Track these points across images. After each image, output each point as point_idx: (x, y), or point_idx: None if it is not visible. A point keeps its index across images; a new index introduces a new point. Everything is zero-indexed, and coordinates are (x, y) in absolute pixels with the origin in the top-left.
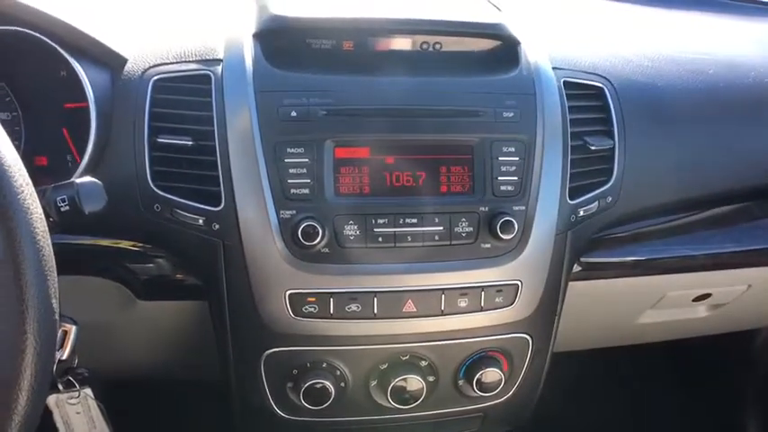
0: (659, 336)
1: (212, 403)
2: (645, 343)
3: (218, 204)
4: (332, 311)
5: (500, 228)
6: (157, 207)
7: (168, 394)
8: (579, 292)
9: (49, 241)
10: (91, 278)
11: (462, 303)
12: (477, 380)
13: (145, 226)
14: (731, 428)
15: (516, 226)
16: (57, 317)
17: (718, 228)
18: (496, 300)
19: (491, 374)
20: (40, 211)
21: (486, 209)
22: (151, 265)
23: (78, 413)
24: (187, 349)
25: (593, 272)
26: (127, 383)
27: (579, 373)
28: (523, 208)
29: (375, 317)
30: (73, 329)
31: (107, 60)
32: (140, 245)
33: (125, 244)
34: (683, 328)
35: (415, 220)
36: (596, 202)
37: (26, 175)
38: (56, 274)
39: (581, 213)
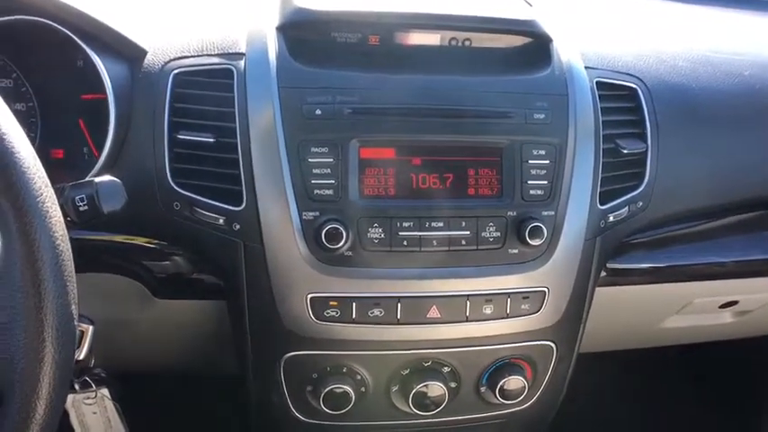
0: (682, 339)
1: (229, 402)
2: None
3: (240, 204)
4: (354, 316)
5: (528, 233)
6: (177, 205)
7: (184, 392)
8: (604, 298)
9: (69, 245)
10: (108, 275)
11: (488, 310)
12: (500, 387)
13: (164, 224)
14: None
15: (545, 232)
16: (75, 323)
17: (745, 234)
18: (522, 307)
19: (514, 382)
20: (59, 214)
21: (515, 213)
22: (169, 263)
23: (95, 413)
24: (205, 348)
25: (619, 278)
26: (143, 381)
27: (594, 373)
28: (552, 213)
29: (398, 322)
30: (90, 329)
31: (126, 52)
32: (159, 243)
33: (143, 241)
34: (707, 333)
35: (441, 224)
36: (627, 207)
37: (45, 176)
38: (75, 279)
39: (611, 219)
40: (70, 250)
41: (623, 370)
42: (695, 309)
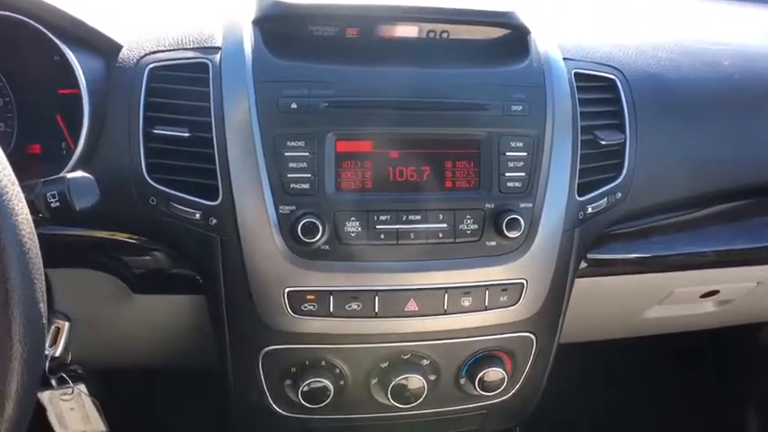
0: (664, 329)
1: (209, 397)
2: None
3: (216, 198)
4: (332, 310)
5: (506, 225)
6: (153, 200)
7: (164, 388)
8: (585, 289)
9: (36, 243)
10: (85, 271)
11: (466, 302)
12: (480, 379)
13: (140, 219)
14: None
15: (523, 224)
16: (44, 321)
17: (727, 224)
18: (501, 299)
19: (493, 374)
20: (26, 211)
21: (492, 206)
22: (147, 258)
23: (72, 409)
24: (184, 343)
25: (599, 268)
26: (123, 378)
27: (579, 363)
28: (530, 205)
29: (376, 316)
30: (66, 326)
31: (100, 46)
32: (136, 238)
33: (120, 236)
34: (688, 322)
35: (418, 217)
36: (605, 199)
37: (11, 173)
38: (43, 277)
39: (589, 210)
40: (38, 248)
41: (605, 357)
42: (676, 299)
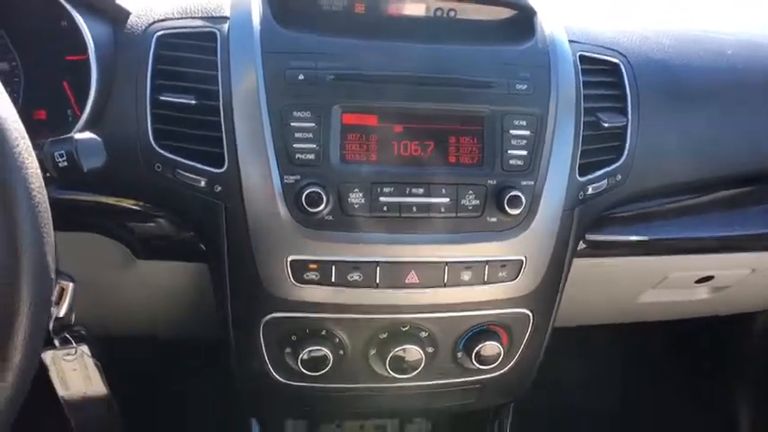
0: (658, 315)
1: (210, 366)
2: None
3: (221, 166)
4: (333, 280)
5: (507, 202)
6: (158, 166)
7: (165, 356)
8: (581, 271)
9: (46, 197)
10: (89, 235)
11: (465, 277)
12: (477, 353)
13: (145, 185)
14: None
15: (524, 201)
16: (53, 274)
17: (726, 210)
18: (500, 274)
19: (490, 348)
20: (37, 165)
21: (494, 182)
22: (151, 224)
23: (75, 370)
24: (186, 310)
25: (597, 250)
26: (125, 344)
27: (576, 347)
28: (532, 183)
29: (377, 286)
30: (70, 286)
31: (109, 13)
32: (141, 204)
33: (125, 202)
34: (683, 309)
35: (421, 191)
36: (605, 180)
37: (22, 128)
38: (52, 231)
39: (590, 191)
40: (47, 202)
41: (602, 343)
42: (671, 283)
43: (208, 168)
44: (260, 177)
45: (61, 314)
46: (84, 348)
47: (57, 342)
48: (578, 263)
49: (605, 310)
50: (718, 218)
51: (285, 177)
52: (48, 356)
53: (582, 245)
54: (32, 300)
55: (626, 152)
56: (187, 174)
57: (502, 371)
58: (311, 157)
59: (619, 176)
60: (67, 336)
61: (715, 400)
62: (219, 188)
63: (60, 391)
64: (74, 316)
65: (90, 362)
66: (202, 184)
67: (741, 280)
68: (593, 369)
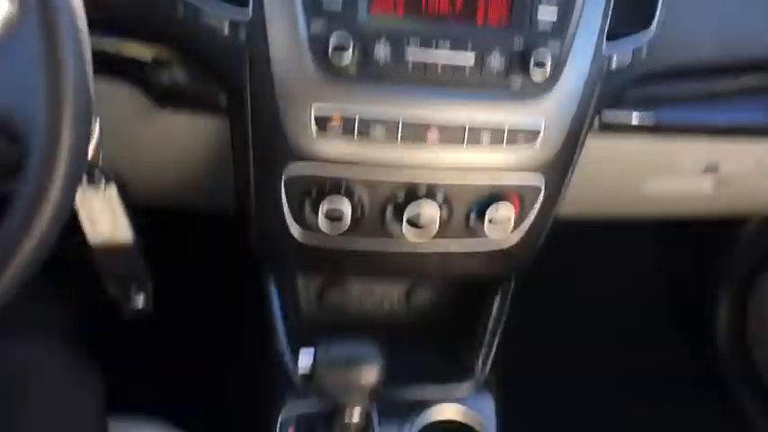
0: (664, 211)
1: (226, 237)
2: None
3: (246, 12)
4: (356, 132)
5: (533, 65)
6: (181, 9)
7: (181, 227)
8: (591, 150)
9: (83, 12)
10: (109, 81)
11: (485, 138)
12: (489, 218)
13: (167, 30)
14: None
15: (549, 66)
16: (90, 83)
17: (741, 97)
18: (518, 139)
19: (502, 213)
20: None
21: (521, 43)
22: (173, 71)
23: (103, 212)
24: (205, 172)
25: (608, 130)
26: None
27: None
28: (559, 45)
29: (398, 142)
30: (97, 124)
31: None
32: (163, 49)
33: (147, 49)
34: (687, 204)
35: (447, 48)
36: (631, 53)
37: None
38: (89, 44)
39: (614, 65)
40: (85, 18)
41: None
42: (677, 169)
43: (232, 14)
44: (285, 25)
45: (90, 152)
46: (113, 190)
47: (85, 179)
48: (589, 142)
49: (610, 201)
50: (734, 104)
51: (312, 26)
52: (77, 194)
53: (595, 122)
54: (75, 123)
55: (655, 21)
56: (210, 18)
57: (512, 238)
58: (338, 7)
59: (644, 50)
60: (96, 174)
61: (695, 307)
62: (244, 35)
63: (90, 234)
64: (101, 156)
65: (118, 205)
66: (226, 31)
67: (746, 174)
68: (590, 264)
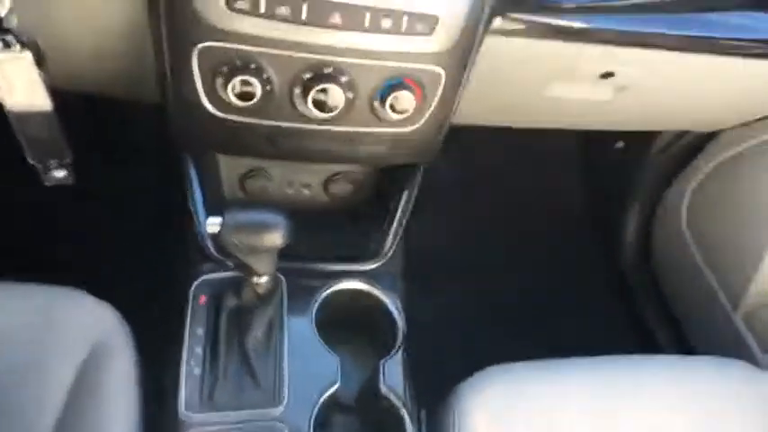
0: (564, 119)
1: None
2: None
3: None
4: (262, 10)
5: None
6: None
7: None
8: (492, 50)
9: None
10: None
11: (385, 24)
12: (391, 104)
13: None
14: None
15: None
16: None
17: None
18: (417, 27)
19: (404, 99)
20: None
21: None
22: None
23: (20, 79)
24: (126, 55)
25: (513, 28)
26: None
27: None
28: None
29: (303, 22)
30: None
31: None
32: None
33: None
34: (588, 110)
35: None
36: None
37: None
38: None
39: None
40: None
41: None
42: (576, 76)
43: None
44: None
45: (2, 13)
46: (28, 55)
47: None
48: (489, 43)
49: (510, 106)
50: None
51: None
52: None
53: (499, 20)
54: None
55: None
56: None
57: (414, 125)
58: None
59: None
60: (11, 38)
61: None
62: None
63: (6, 100)
64: (16, 20)
65: (34, 71)
66: None
67: (642, 82)
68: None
